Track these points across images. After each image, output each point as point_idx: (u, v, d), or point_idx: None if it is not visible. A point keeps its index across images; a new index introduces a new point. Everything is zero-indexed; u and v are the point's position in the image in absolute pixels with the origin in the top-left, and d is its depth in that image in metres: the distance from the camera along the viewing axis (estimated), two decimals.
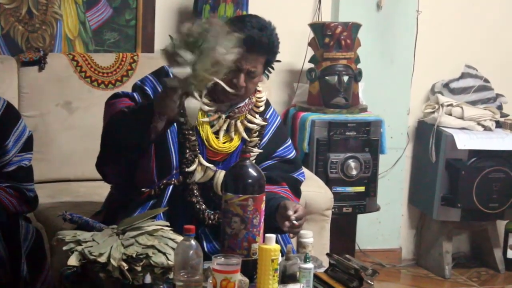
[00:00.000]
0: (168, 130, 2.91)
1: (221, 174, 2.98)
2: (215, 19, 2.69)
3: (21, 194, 3.09)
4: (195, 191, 3.00)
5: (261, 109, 3.11)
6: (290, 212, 2.82)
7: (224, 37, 2.66)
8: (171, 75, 2.81)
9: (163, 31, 4.33)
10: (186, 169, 2.97)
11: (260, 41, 2.92)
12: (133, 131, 2.79)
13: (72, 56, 4.01)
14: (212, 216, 3.00)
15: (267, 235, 2.64)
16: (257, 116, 3.09)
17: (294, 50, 4.56)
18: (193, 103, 2.68)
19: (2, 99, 3.12)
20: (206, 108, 2.97)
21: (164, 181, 2.97)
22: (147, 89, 2.98)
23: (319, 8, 4.69)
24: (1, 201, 3.01)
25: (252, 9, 4.06)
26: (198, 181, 3.00)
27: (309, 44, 4.55)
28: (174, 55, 2.64)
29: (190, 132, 2.95)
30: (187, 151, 2.96)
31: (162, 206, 2.93)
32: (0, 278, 2.92)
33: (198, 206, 2.99)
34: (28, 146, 3.14)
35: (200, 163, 2.98)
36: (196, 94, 2.68)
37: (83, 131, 3.93)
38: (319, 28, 4.44)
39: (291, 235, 2.93)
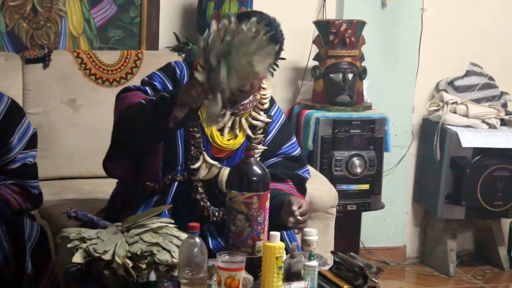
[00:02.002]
0: None
1: (225, 171, 2.98)
2: (258, 25, 2.66)
3: (26, 191, 3.09)
4: (199, 188, 3.00)
5: (266, 106, 3.11)
6: (295, 208, 2.82)
7: (261, 44, 2.63)
8: (177, 73, 2.81)
9: (168, 28, 4.33)
10: (191, 166, 2.97)
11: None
12: (152, 120, 2.78)
13: (77, 54, 4.01)
14: (216, 213, 3.01)
15: (271, 232, 2.64)
16: (261, 113, 3.09)
17: (298, 48, 4.56)
18: (213, 106, 2.67)
19: (6, 96, 3.12)
20: None
21: (169, 177, 2.97)
22: (156, 84, 2.98)
23: (323, 6, 4.69)
24: (6, 199, 3.01)
25: (257, 7, 4.05)
26: (203, 178, 3.00)
27: (314, 42, 4.55)
28: (209, 48, 2.62)
29: (195, 129, 2.95)
30: (192, 148, 2.97)
31: (167, 203, 2.94)
32: (4, 275, 2.92)
33: (202, 203, 3.00)
34: (32, 143, 3.14)
35: (204, 160, 2.98)
36: (219, 98, 2.65)
37: (87, 128, 3.93)
38: (323, 26, 4.44)
39: (296, 231, 2.92)
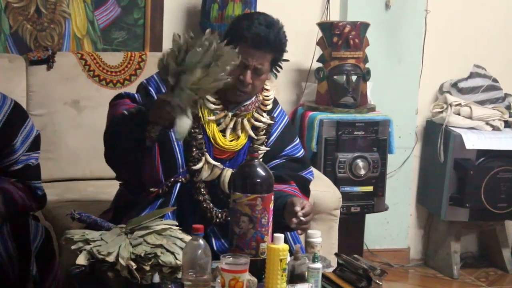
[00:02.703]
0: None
1: (228, 172, 2.98)
2: (209, 36, 2.69)
3: (30, 189, 3.09)
4: (202, 190, 3.00)
5: (269, 107, 3.11)
6: (298, 208, 2.82)
7: (218, 53, 2.66)
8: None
9: (172, 30, 4.31)
10: (193, 167, 2.97)
11: (267, 38, 2.92)
12: (130, 136, 2.80)
13: (81, 55, 4.02)
14: (219, 214, 3.01)
15: (275, 234, 2.64)
16: (264, 114, 3.09)
17: (302, 50, 4.56)
18: (183, 121, 2.69)
19: (9, 99, 3.12)
20: (213, 106, 2.97)
21: (172, 179, 2.96)
22: (151, 89, 2.99)
23: (327, 8, 4.69)
24: (10, 193, 3.00)
25: (260, 8, 4.05)
26: (205, 179, 3.00)
27: (317, 44, 4.54)
28: (166, 67, 2.66)
29: (197, 130, 2.95)
30: (194, 149, 2.97)
31: (170, 204, 2.94)
32: (9, 277, 2.93)
33: (205, 205, 3.00)
34: (35, 145, 3.14)
35: (207, 161, 2.98)
36: (188, 112, 2.69)
37: (91, 130, 3.93)
38: (327, 28, 4.44)
39: (299, 232, 2.92)
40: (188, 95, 2.66)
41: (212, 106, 2.97)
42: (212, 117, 2.99)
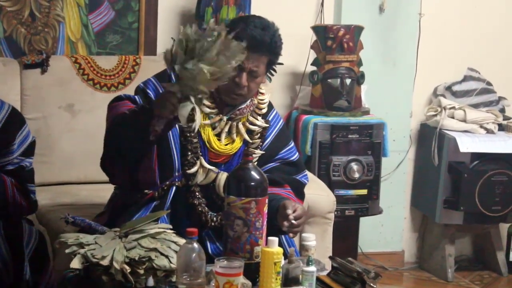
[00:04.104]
0: (171, 132, 2.91)
1: (223, 176, 2.99)
2: (217, 26, 2.68)
3: (23, 187, 3.08)
4: (197, 193, 3.00)
5: (264, 111, 3.11)
6: (289, 211, 2.83)
7: (225, 45, 2.65)
8: (173, 79, 2.81)
9: (166, 33, 4.33)
10: (188, 171, 2.96)
11: (262, 40, 2.92)
12: (133, 133, 2.78)
13: (75, 59, 4.01)
14: (215, 218, 3.01)
15: (269, 238, 2.65)
16: (259, 118, 3.09)
17: (296, 53, 4.56)
18: (186, 107, 2.68)
19: (7, 104, 3.13)
20: (208, 110, 2.97)
21: (167, 182, 2.96)
22: (150, 92, 2.98)
23: (321, 11, 4.69)
24: (3, 179, 3.00)
25: (254, 12, 4.05)
26: (200, 183, 3.00)
27: (312, 47, 4.55)
28: (173, 58, 2.64)
29: (192, 134, 2.95)
30: (189, 153, 2.97)
31: (165, 207, 2.94)
32: (3, 281, 2.92)
33: (200, 208, 3.00)
34: (29, 151, 3.14)
35: (202, 165, 2.98)
36: (192, 99, 2.67)
37: (85, 133, 3.93)
38: (321, 31, 4.44)
39: (291, 235, 2.92)
40: (195, 85, 2.64)
41: (207, 110, 2.97)
42: (207, 121, 2.99)
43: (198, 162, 2.97)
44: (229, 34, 2.67)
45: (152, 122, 2.73)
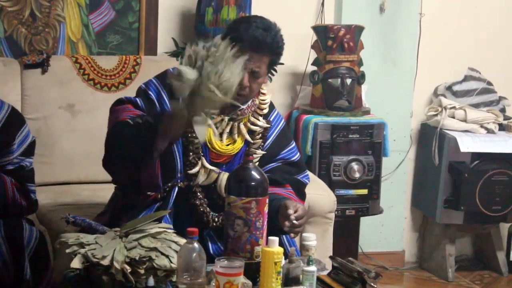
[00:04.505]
0: None
1: (224, 176, 2.98)
2: (220, 42, 2.68)
3: (23, 187, 3.09)
4: (198, 194, 3.00)
5: (265, 111, 3.11)
6: (291, 211, 2.82)
7: (229, 60, 2.64)
8: (180, 99, 2.81)
9: (166, 33, 4.33)
10: (189, 172, 2.96)
11: (264, 41, 2.92)
12: (136, 147, 2.78)
13: (75, 59, 4.01)
14: (216, 218, 3.01)
15: (270, 237, 2.65)
16: (260, 118, 3.09)
17: (297, 53, 4.56)
18: (201, 123, 2.68)
19: (7, 104, 3.13)
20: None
21: (169, 184, 2.96)
22: (151, 93, 2.98)
23: (322, 11, 4.69)
24: (3, 179, 3.00)
25: (255, 12, 4.05)
26: (202, 184, 3.00)
27: (312, 47, 4.55)
28: (180, 75, 2.64)
29: (194, 135, 2.95)
30: (191, 153, 2.96)
31: (167, 209, 2.93)
32: (3, 280, 2.92)
33: (202, 209, 3.00)
34: (30, 151, 3.15)
35: (203, 166, 2.98)
36: (203, 115, 2.67)
37: (85, 133, 3.93)
38: (322, 31, 4.44)
39: (292, 235, 2.92)
40: (206, 104, 2.65)
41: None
42: (209, 122, 2.99)
43: (200, 163, 2.97)
44: (232, 48, 2.67)
45: (156, 140, 2.73)
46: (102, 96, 3.98)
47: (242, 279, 2.54)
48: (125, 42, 4.29)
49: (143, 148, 2.76)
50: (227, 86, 2.64)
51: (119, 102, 3.00)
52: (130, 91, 3.32)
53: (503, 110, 4.94)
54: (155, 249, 2.57)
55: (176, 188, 2.97)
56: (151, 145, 2.75)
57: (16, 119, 3.13)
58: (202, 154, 2.98)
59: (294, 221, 2.81)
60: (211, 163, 3.00)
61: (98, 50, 4.24)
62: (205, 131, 2.72)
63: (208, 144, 2.99)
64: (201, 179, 2.98)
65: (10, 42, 4.10)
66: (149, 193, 2.96)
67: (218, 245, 2.99)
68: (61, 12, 4.16)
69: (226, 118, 3.01)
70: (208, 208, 3.01)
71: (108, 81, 4.04)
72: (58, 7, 4.15)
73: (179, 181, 2.97)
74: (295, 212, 2.83)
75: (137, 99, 2.98)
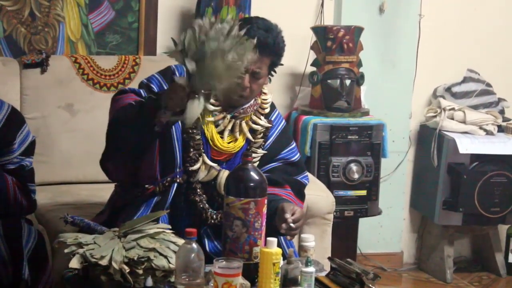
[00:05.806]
0: (173, 128, 2.90)
1: (224, 174, 2.99)
2: (230, 21, 2.65)
3: (23, 186, 3.09)
4: (198, 190, 3.00)
5: (267, 111, 3.12)
6: (288, 215, 2.82)
7: (236, 42, 2.63)
8: (177, 75, 2.80)
9: (166, 33, 4.33)
10: (190, 168, 2.97)
11: (265, 42, 2.92)
12: (138, 123, 2.77)
13: (75, 59, 4.02)
14: (214, 215, 3.01)
15: (268, 238, 2.65)
16: (262, 117, 3.09)
17: (296, 54, 4.56)
18: (195, 105, 2.66)
19: (6, 104, 3.14)
20: (212, 107, 2.96)
21: (168, 178, 2.96)
22: (153, 86, 2.98)
23: (321, 12, 4.69)
24: (4, 177, 3.00)
25: (255, 12, 4.06)
26: (202, 180, 3.00)
27: (312, 48, 4.55)
28: (183, 51, 2.62)
29: (195, 131, 2.95)
30: (191, 150, 2.97)
31: (167, 204, 2.94)
32: (2, 280, 2.92)
33: (201, 205, 3.00)
34: (30, 150, 3.15)
35: (204, 162, 2.98)
36: (201, 98, 2.66)
37: (85, 133, 3.93)
38: (321, 32, 4.45)
39: (288, 237, 2.92)
40: (205, 81, 2.61)
41: (211, 107, 2.96)
42: (211, 118, 2.99)
43: (201, 159, 2.98)
44: (240, 31, 2.65)
45: (158, 112, 2.72)
46: (101, 96, 3.98)
47: (240, 279, 2.53)
48: (125, 42, 4.29)
49: (145, 122, 2.74)
50: (232, 67, 2.61)
51: (122, 92, 3.00)
52: None
53: (502, 112, 4.94)
54: (153, 249, 2.57)
55: (176, 184, 2.97)
56: (153, 117, 2.72)
57: (16, 119, 3.13)
58: (203, 150, 2.98)
59: (291, 224, 2.81)
60: (212, 160, 3.00)
61: (98, 50, 4.24)
62: (197, 113, 2.65)
63: (210, 141, 3.00)
64: (201, 175, 2.99)
65: (10, 42, 4.10)
66: (147, 186, 2.96)
67: (215, 243, 2.99)
68: (61, 12, 4.16)
69: (228, 116, 3.01)
70: (207, 205, 3.01)
71: (107, 81, 4.04)
72: (58, 6, 4.15)
73: (177, 176, 2.97)
74: (292, 215, 2.83)
75: (140, 90, 2.98)
